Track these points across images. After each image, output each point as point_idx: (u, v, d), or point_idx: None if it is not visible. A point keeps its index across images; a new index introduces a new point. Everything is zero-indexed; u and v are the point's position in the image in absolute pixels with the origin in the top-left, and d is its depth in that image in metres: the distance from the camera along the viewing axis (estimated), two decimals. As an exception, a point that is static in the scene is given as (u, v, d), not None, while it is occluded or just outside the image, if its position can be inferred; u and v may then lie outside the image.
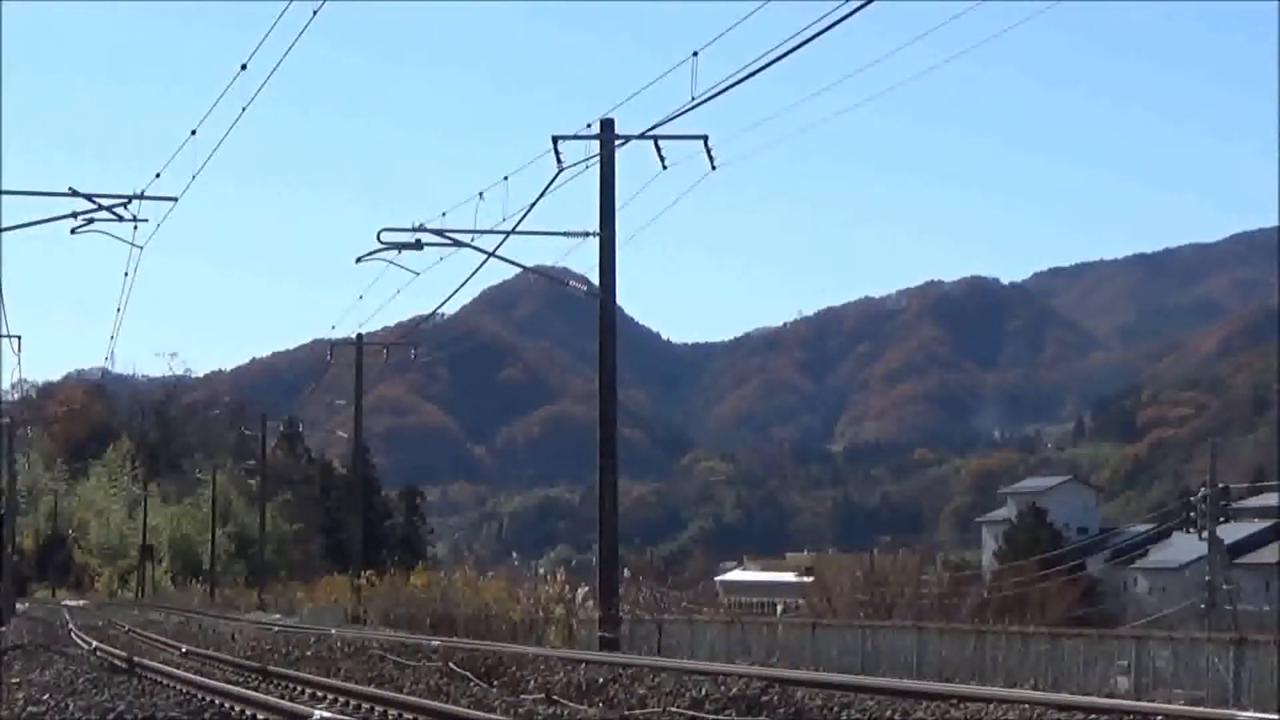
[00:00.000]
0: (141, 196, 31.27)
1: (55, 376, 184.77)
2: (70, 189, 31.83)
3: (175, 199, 31.37)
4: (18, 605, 71.98)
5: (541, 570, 72.03)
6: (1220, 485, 62.30)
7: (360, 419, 67.77)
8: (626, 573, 48.32)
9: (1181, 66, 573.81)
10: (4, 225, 35.95)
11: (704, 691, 19.69)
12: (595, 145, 33.96)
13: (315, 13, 22.79)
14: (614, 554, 36.77)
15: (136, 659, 28.69)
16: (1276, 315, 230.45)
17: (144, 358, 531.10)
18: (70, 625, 49.81)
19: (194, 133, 28.93)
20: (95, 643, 36.48)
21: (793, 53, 21.44)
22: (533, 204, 33.94)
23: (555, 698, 20.46)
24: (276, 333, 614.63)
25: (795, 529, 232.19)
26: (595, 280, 36.48)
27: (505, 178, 33.67)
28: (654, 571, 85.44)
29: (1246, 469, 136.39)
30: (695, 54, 26.06)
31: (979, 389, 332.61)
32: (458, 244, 36.29)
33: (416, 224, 36.32)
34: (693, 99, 26.37)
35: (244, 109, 26.62)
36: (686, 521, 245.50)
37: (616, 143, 34.53)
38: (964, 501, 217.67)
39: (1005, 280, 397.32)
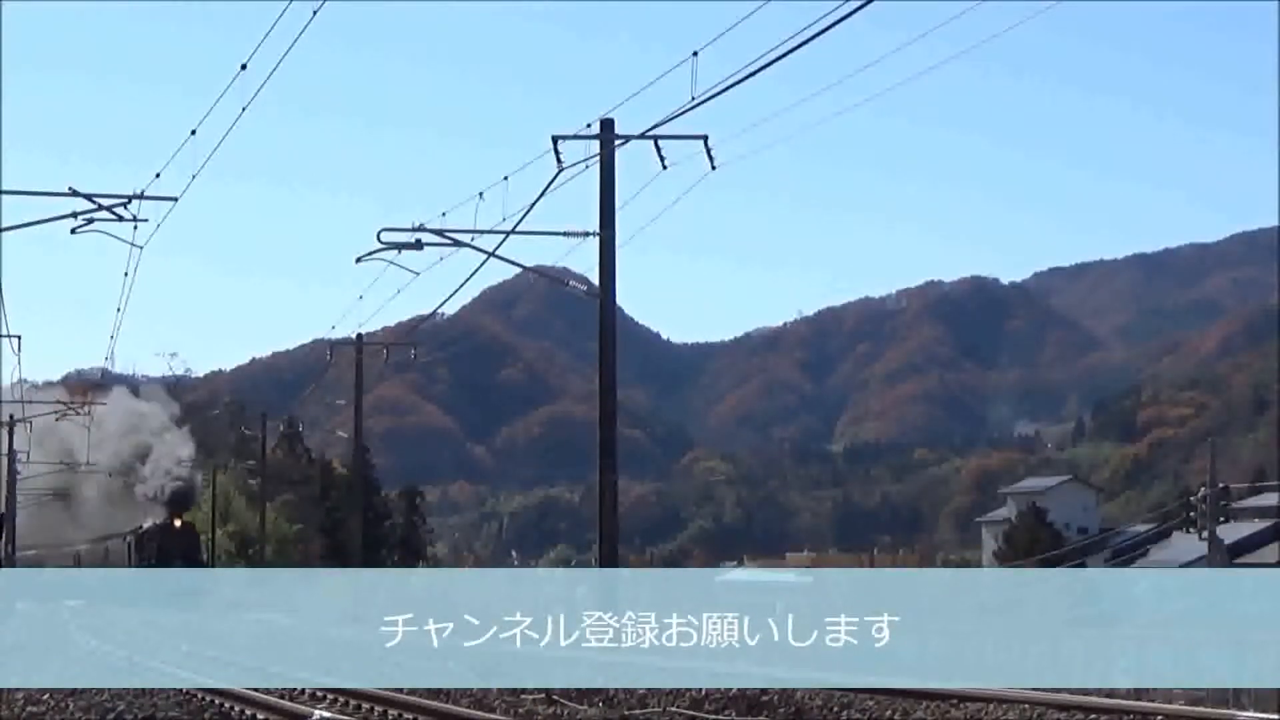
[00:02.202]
0: (141, 196, 31.25)
1: (55, 376, 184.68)
2: (70, 189, 31.83)
3: (175, 199, 31.37)
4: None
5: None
6: (1220, 485, 62.30)
7: (360, 419, 67.74)
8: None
9: (1182, 66, 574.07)
10: (4, 225, 35.97)
11: (704, 691, 19.70)
12: (595, 145, 33.95)
13: (315, 13, 22.80)
14: (614, 554, 36.77)
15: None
16: (1276, 315, 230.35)
17: (144, 358, 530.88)
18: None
19: (194, 133, 28.94)
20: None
21: (793, 53, 21.45)
22: (533, 204, 33.96)
23: (555, 698, 20.47)
24: (276, 333, 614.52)
25: (795, 529, 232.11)
26: (595, 280, 36.49)
27: (505, 178, 33.67)
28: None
29: (1246, 469, 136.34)
30: (695, 54, 26.07)
31: (979, 389, 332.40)
32: (458, 244, 36.29)
33: (416, 224, 36.32)
34: (693, 99, 26.38)
35: (244, 109, 26.63)
36: (686, 521, 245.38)
37: (616, 143, 34.53)
38: (964, 501, 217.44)
39: (1005, 280, 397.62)
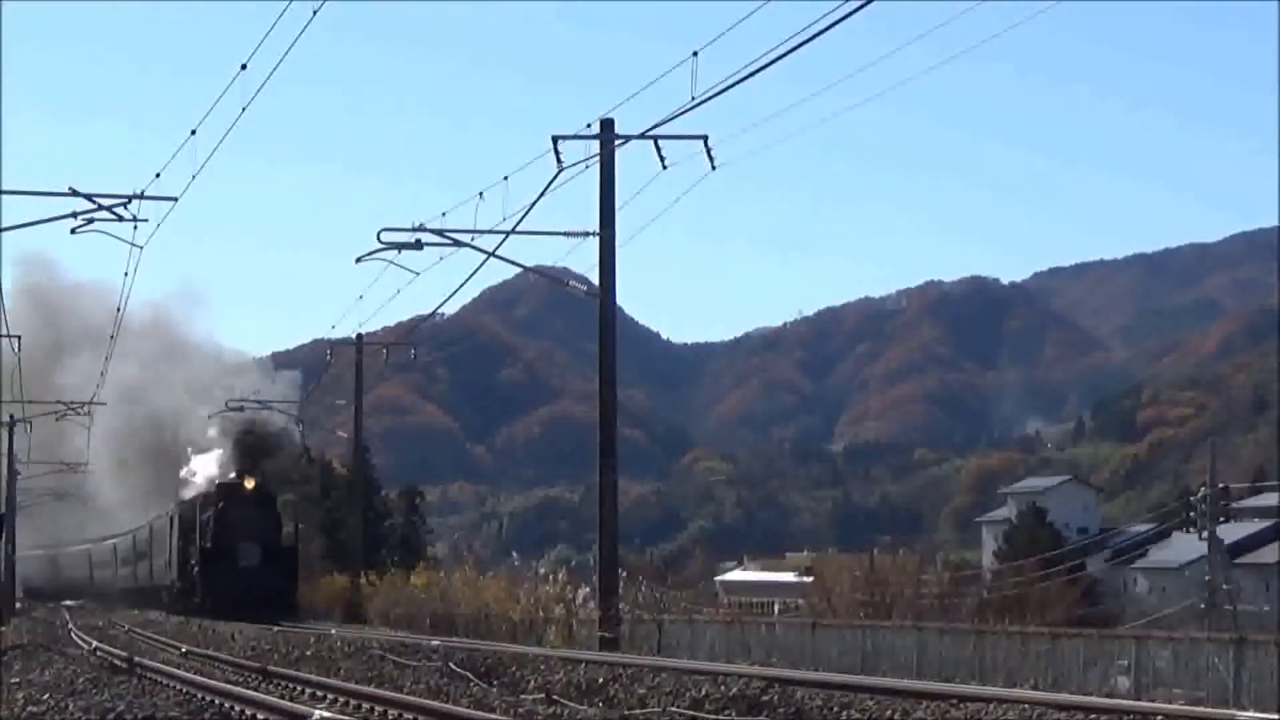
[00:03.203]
0: (141, 196, 31.29)
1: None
2: (70, 189, 31.87)
3: (175, 199, 31.41)
4: (17, 605, 71.97)
5: (541, 570, 71.92)
6: (1220, 485, 62.26)
7: (360, 419, 67.72)
8: (624, 573, 48.36)
9: (1182, 65, 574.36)
10: (4, 225, 35.99)
11: (704, 691, 19.69)
12: (595, 145, 33.99)
13: (315, 13, 22.81)
14: (614, 554, 36.83)
15: (136, 659, 28.71)
16: (1276, 315, 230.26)
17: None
18: (70, 625, 49.82)
19: (194, 133, 28.97)
20: (95, 643, 36.51)
21: (793, 52, 21.46)
22: (533, 204, 34.00)
23: (555, 698, 20.46)
24: (276, 332, 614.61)
25: (795, 529, 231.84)
26: (595, 280, 36.54)
27: (505, 178, 33.72)
28: (654, 571, 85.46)
29: (1246, 469, 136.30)
30: (695, 54, 26.08)
31: (979, 389, 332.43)
32: (458, 244, 36.33)
33: (416, 224, 36.37)
34: (693, 99, 26.38)
35: (244, 109, 26.65)
36: (686, 521, 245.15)
37: (616, 143, 34.56)
38: (964, 501, 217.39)
39: (1005, 280, 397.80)
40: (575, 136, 33.28)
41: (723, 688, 19.79)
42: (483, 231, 35.43)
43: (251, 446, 59.52)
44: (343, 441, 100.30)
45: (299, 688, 23.36)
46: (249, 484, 55.63)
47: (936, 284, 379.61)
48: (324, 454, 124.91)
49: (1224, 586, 61.81)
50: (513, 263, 37.52)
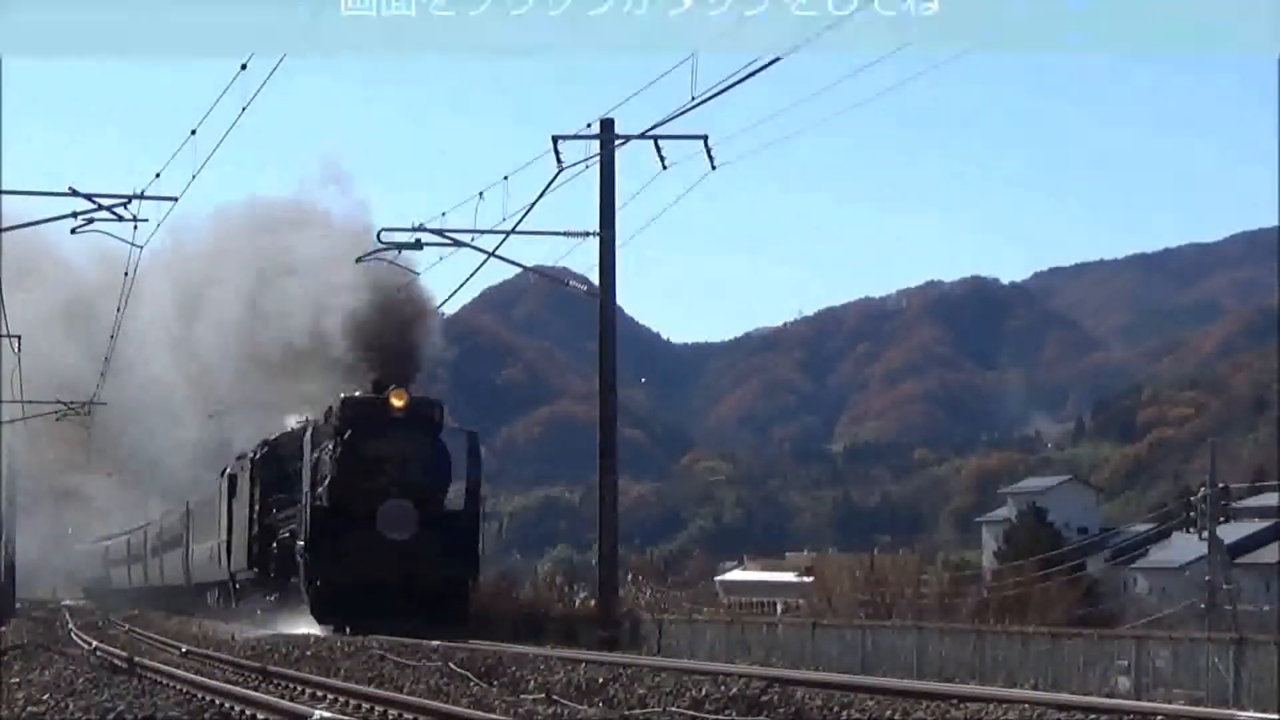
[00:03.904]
0: (141, 196, 31.32)
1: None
2: (70, 189, 31.89)
3: (175, 199, 31.43)
4: (17, 604, 71.96)
5: (542, 570, 71.96)
6: (1220, 485, 62.28)
7: (361, 419, 67.23)
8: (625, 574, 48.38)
9: (1182, 65, 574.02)
10: (4, 225, 36.03)
11: (704, 691, 19.68)
12: (595, 145, 33.99)
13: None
14: (614, 554, 36.86)
15: (136, 659, 28.71)
16: (1276, 315, 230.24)
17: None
18: (70, 625, 49.85)
19: (194, 132, 28.99)
20: (95, 643, 36.52)
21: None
22: (533, 204, 33.99)
23: (555, 698, 20.45)
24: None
25: (795, 529, 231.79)
26: (595, 280, 36.56)
27: (505, 178, 33.73)
28: (654, 571, 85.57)
29: (1246, 469, 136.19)
30: (695, 54, 26.09)
31: (979, 389, 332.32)
32: (458, 244, 36.34)
33: (416, 224, 36.38)
34: (693, 99, 26.39)
35: (244, 109, 26.70)
36: (686, 521, 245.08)
37: (616, 143, 34.58)
38: (964, 501, 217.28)
39: (1005, 280, 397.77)
40: (575, 136, 33.30)
41: (723, 688, 19.78)
42: (483, 231, 35.46)
43: (401, 346, 37.10)
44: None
45: (299, 688, 23.37)
46: (398, 400, 34.97)
47: (936, 284, 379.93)
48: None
49: (1224, 586, 61.85)
50: (513, 263, 37.59)
